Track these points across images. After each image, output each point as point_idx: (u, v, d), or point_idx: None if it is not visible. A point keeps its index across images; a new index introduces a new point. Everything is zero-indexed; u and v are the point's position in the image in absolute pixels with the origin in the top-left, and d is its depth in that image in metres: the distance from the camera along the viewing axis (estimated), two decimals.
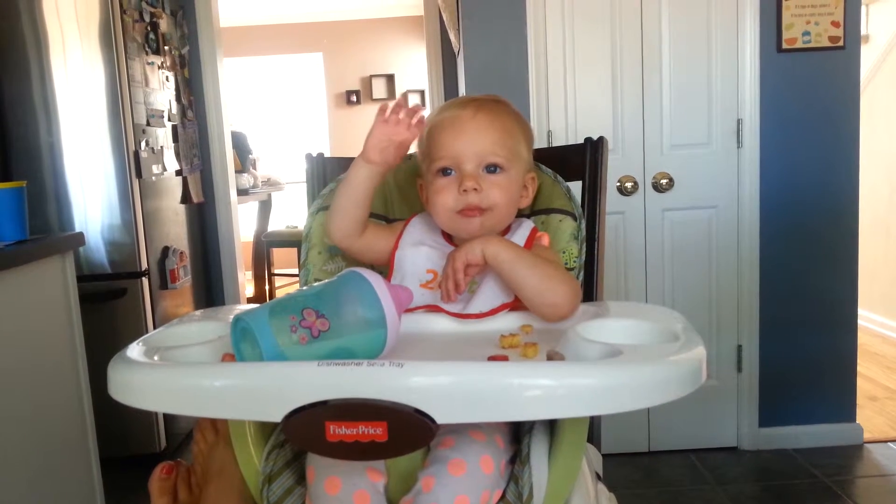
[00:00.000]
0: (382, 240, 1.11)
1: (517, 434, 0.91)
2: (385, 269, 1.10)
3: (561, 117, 2.44)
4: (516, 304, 0.98)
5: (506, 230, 1.09)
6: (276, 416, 0.68)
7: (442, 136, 1.05)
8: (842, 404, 2.57)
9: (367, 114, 6.64)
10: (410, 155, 1.27)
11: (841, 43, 2.39)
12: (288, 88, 6.80)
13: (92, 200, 2.53)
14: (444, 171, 1.04)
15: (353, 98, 6.64)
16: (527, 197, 1.11)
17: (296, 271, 4.80)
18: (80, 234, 2.01)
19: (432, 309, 0.99)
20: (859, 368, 2.60)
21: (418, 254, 1.07)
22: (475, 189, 1.01)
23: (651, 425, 2.56)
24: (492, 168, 1.03)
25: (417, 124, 0.99)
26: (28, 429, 1.68)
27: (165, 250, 2.80)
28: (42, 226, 2.47)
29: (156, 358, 0.80)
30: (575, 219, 1.15)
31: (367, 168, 1.01)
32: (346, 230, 1.07)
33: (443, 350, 0.90)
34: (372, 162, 1.01)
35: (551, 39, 2.42)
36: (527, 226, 1.09)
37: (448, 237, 1.10)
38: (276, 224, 5.26)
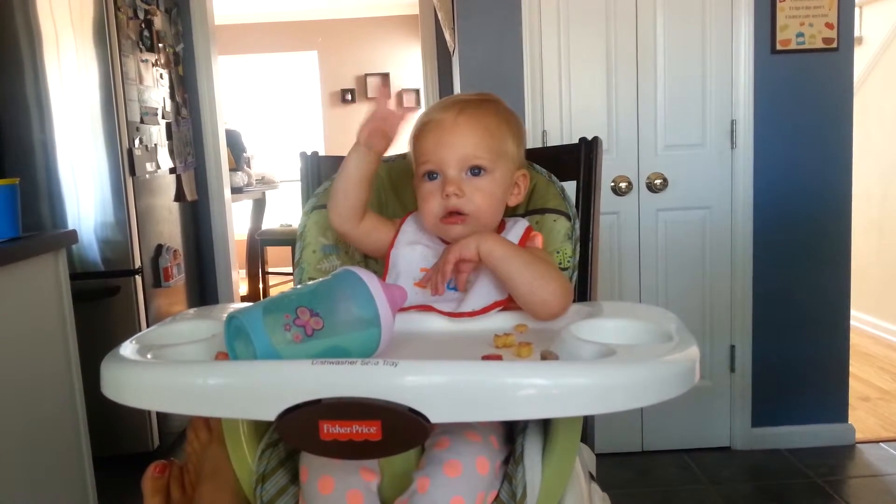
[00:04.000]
0: (382, 231, 1.11)
1: (511, 434, 0.91)
2: (377, 264, 1.10)
3: (556, 117, 2.45)
4: (509, 304, 0.98)
5: (500, 228, 1.09)
6: (270, 414, 0.68)
7: (425, 140, 1.05)
8: (834, 405, 2.58)
9: (361, 113, 6.56)
10: (405, 154, 1.27)
11: (835, 44, 2.40)
12: (283, 86, 6.78)
13: (85, 198, 2.52)
14: (430, 175, 1.05)
15: (348, 97, 6.63)
16: (518, 194, 1.11)
17: (290, 270, 4.78)
18: (73, 232, 2.00)
19: (425, 309, 0.99)
20: (851, 369, 2.61)
21: (413, 252, 1.07)
22: (456, 194, 1.02)
23: (644, 425, 2.57)
24: (475, 171, 1.04)
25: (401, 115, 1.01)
26: (20, 427, 1.67)
27: (159, 248, 2.79)
28: (35, 223, 2.46)
29: (149, 356, 0.79)
30: (569, 219, 1.15)
31: (359, 151, 1.03)
32: (345, 214, 1.08)
33: (437, 349, 0.90)
34: (363, 144, 1.02)
35: (546, 39, 2.42)
36: (521, 225, 1.09)
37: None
38: (271, 222, 5.25)
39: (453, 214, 1.03)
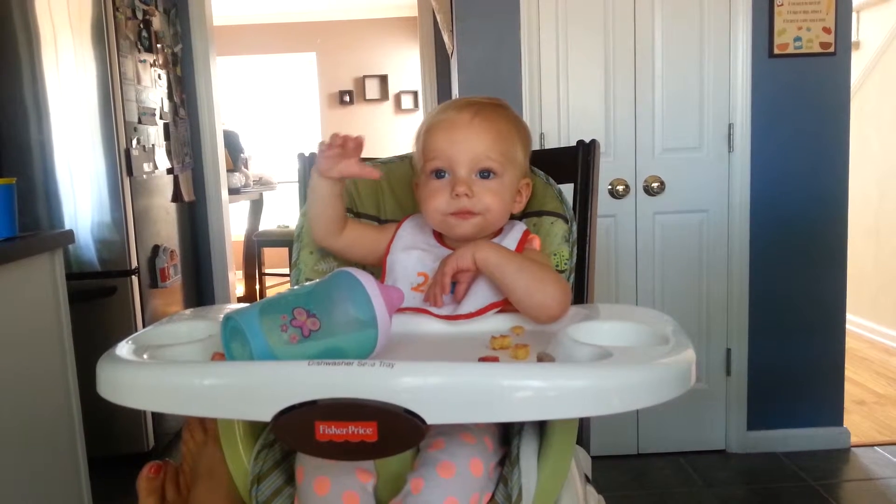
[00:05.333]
0: (367, 239, 1.11)
1: (507, 436, 0.91)
2: (373, 269, 1.10)
3: (553, 120, 2.45)
4: (506, 305, 0.98)
5: (498, 231, 1.09)
6: (266, 415, 0.68)
7: (438, 137, 1.05)
8: (829, 408, 2.59)
9: (359, 114, 6.64)
10: (403, 156, 1.27)
11: (832, 49, 2.41)
12: (281, 88, 6.78)
13: (82, 198, 2.52)
14: (438, 173, 1.05)
15: (346, 98, 6.63)
16: (520, 202, 1.12)
17: (286, 271, 4.79)
18: (70, 232, 1.99)
19: (421, 311, 0.99)
20: (847, 373, 2.62)
21: (409, 257, 1.07)
22: (467, 195, 1.02)
23: (640, 428, 2.57)
24: (485, 173, 1.04)
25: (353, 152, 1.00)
26: (15, 427, 1.67)
27: (156, 249, 2.79)
28: (32, 223, 2.46)
29: (145, 356, 0.79)
30: (566, 221, 1.15)
31: (322, 178, 1.04)
32: (323, 231, 1.10)
33: (434, 351, 0.90)
34: (323, 177, 1.03)
35: (545, 42, 2.42)
36: (519, 228, 1.09)
37: (440, 238, 1.10)
38: (268, 223, 5.25)
39: (462, 211, 1.04)
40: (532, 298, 0.95)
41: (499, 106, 1.09)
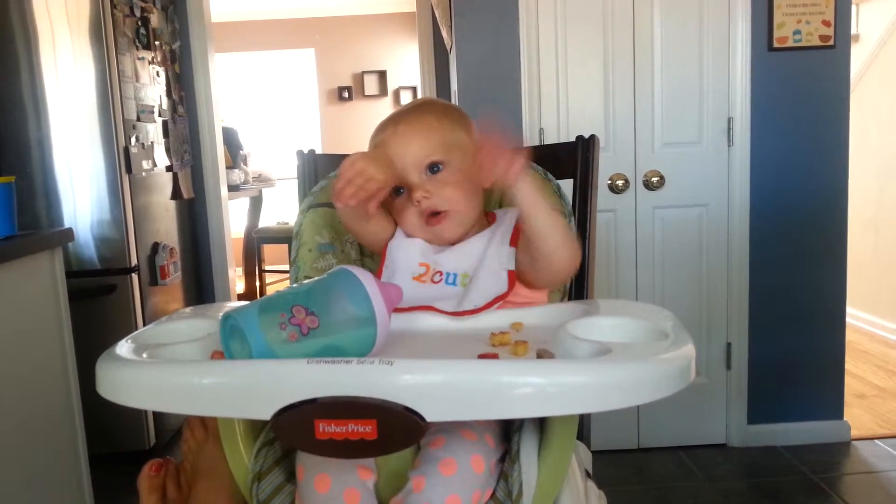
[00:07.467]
0: (388, 227, 1.11)
1: (507, 432, 0.91)
2: (377, 259, 1.10)
3: (553, 115, 2.45)
4: (508, 297, 0.98)
5: (491, 220, 1.09)
6: (266, 413, 0.68)
7: None
8: (830, 402, 2.59)
9: (358, 110, 6.63)
10: None
11: (831, 42, 2.40)
12: (280, 84, 6.77)
13: (81, 196, 2.52)
14: (397, 191, 1.06)
15: (346, 94, 6.62)
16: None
17: (286, 268, 4.78)
18: (70, 230, 1.99)
19: (426, 309, 0.99)
20: (847, 366, 2.62)
21: (412, 245, 1.07)
22: (425, 196, 1.02)
23: (640, 422, 2.57)
24: (434, 168, 1.04)
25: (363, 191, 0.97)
26: (16, 426, 1.67)
27: (155, 246, 2.79)
28: (31, 221, 2.46)
29: (145, 355, 0.79)
30: (565, 216, 1.15)
31: None
32: (350, 219, 1.08)
33: (433, 348, 0.90)
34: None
35: (543, 37, 2.42)
36: (513, 214, 1.08)
37: None
38: (267, 220, 5.25)
39: (433, 215, 1.04)
40: (558, 251, 0.96)
41: (420, 105, 1.10)
